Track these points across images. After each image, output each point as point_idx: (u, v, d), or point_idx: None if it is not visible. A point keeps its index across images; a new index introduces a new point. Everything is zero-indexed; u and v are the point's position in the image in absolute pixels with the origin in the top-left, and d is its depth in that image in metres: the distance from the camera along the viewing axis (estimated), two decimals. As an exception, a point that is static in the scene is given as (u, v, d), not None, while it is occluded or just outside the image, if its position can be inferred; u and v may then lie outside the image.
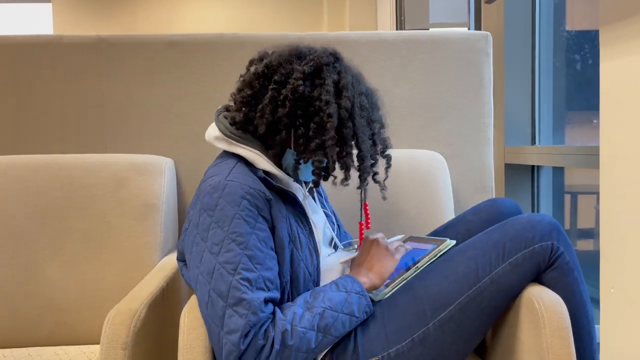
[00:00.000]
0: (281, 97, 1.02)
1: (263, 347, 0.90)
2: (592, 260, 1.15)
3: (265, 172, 1.04)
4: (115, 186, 1.41)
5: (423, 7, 3.49)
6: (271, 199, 1.00)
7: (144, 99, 1.61)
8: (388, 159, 1.15)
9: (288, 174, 1.09)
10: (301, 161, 1.06)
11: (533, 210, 1.94)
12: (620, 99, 1.00)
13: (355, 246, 1.27)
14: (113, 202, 1.41)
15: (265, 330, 0.91)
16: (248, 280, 0.92)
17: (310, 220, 1.11)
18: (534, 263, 1.03)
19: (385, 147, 1.13)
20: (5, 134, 1.59)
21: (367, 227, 1.22)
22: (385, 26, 4.12)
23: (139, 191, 1.41)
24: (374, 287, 1.07)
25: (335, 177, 1.11)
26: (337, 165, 1.07)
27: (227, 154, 1.07)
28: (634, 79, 0.96)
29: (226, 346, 0.90)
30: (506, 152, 1.95)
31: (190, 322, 0.96)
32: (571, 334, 0.96)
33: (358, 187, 1.10)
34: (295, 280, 1.02)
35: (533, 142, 1.94)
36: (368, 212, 1.22)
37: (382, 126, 1.13)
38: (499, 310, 1.03)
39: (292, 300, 1.01)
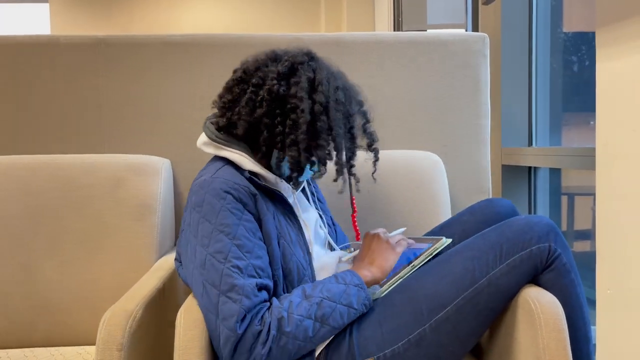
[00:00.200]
0: (259, 98, 1.05)
1: (260, 332, 0.92)
2: (588, 262, 1.15)
3: (252, 173, 1.07)
4: (113, 186, 1.41)
5: (421, 8, 3.49)
6: (256, 194, 1.02)
7: (142, 99, 1.61)
8: (375, 152, 1.16)
9: (277, 175, 1.11)
10: (284, 158, 1.07)
11: (530, 212, 1.94)
12: (616, 101, 1.00)
13: (352, 248, 1.28)
14: (110, 202, 1.40)
15: (262, 316, 0.93)
16: (238, 267, 0.94)
17: (300, 219, 1.12)
18: (531, 265, 1.03)
19: (372, 141, 1.15)
20: (2, 134, 1.59)
21: (353, 215, 1.24)
22: (383, 27, 4.12)
23: (136, 191, 1.41)
24: (376, 281, 1.08)
25: (321, 172, 1.13)
26: (314, 160, 1.07)
27: (215, 158, 1.11)
28: (630, 80, 0.96)
29: (223, 333, 0.91)
30: (503, 153, 1.95)
31: (187, 323, 0.96)
32: (567, 335, 0.96)
33: (334, 180, 1.12)
34: (289, 275, 1.04)
35: (530, 144, 1.94)
36: (355, 205, 1.24)
37: (367, 121, 1.15)
38: (496, 311, 1.04)
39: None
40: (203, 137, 1.12)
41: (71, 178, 1.41)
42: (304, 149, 1.04)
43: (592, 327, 1.07)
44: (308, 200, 1.24)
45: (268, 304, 0.96)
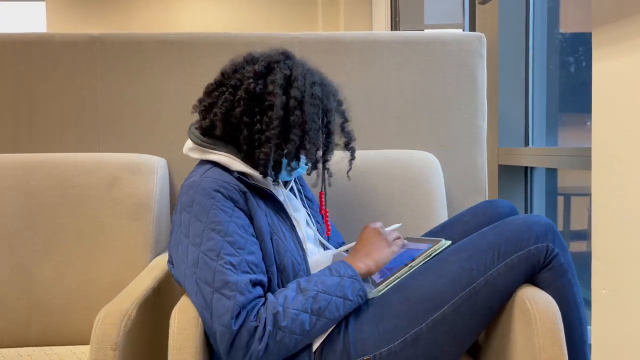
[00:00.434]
0: (237, 98, 1.07)
1: (256, 328, 0.92)
2: (584, 262, 1.15)
3: (241, 173, 1.07)
4: (108, 185, 1.41)
5: (418, 8, 3.50)
6: (246, 192, 1.03)
7: (138, 98, 1.61)
8: (352, 151, 1.18)
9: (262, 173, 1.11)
10: (261, 155, 1.07)
11: (526, 212, 1.94)
12: (612, 101, 1.00)
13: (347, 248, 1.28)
14: (106, 201, 1.40)
15: (258, 311, 0.93)
16: (231, 264, 0.95)
17: (291, 216, 1.13)
18: (529, 264, 1.03)
19: (350, 140, 1.17)
20: (-4, 132, 1.58)
21: (321, 213, 1.25)
22: (380, 27, 4.12)
23: (132, 190, 1.41)
24: (370, 273, 1.09)
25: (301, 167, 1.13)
26: (287, 155, 1.08)
27: (202, 162, 1.11)
28: (627, 81, 0.96)
29: (219, 330, 0.91)
30: (499, 153, 1.95)
31: (181, 322, 0.95)
32: (563, 335, 0.96)
33: (308, 173, 1.13)
34: (284, 271, 1.04)
35: (526, 144, 1.95)
36: (322, 201, 1.25)
37: (345, 120, 1.16)
38: (493, 311, 1.03)
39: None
40: (189, 143, 1.13)
41: (66, 177, 1.41)
42: (276, 144, 1.05)
43: (589, 327, 1.07)
44: (296, 196, 1.25)
45: (263, 299, 0.96)
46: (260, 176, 1.09)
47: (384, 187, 1.52)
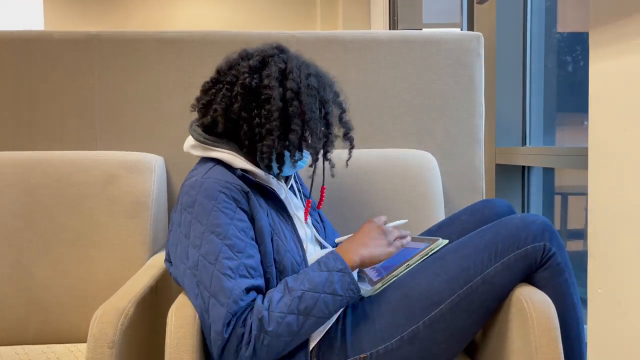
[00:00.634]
0: (234, 93, 1.07)
1: (243, 334, 0.92)
2: (581, 261, 1.15)
3: (244, 170, 1.07)
4: (105, 184, 1.40)
5: (416, 7, 3.49)
6: (249, 192, 1.03)
7: (135, 96, 1.60)
8: (351, 140, 1.18)
9: (265, 170, 1.11)
10: (264, 149, 1.07)
11: (523, 211, 1.94)
12: (609, 101, 1.01)
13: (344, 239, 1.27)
14: (103, 199, 1.40)
15: (245, 318, 0.93)
16: (230, 268, 0.94)
17: (293, 215, 1.13)
18: (526, 263, 1.03)
19: (348, 129, 1.17)
20: (-7, 130, 1.58)
21: (319, 207, 1.25)
22: (379, 26, 4.12)
23: (129, 189, 1.41)
24: (363, 266, 1.05)
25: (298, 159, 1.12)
26: (290, 146, 1.07)
27: (204, 160, 1.10)
28: (623, 80, 0.97)
29: (212, 335, 0.93)
30: (497, 152, 1.96)
31: (178, 321, 0.96)
32: (559, 334, 0.97)
33: (310, 165, 1.12)
34: (283, 271, 1.03)
35: (524, 143, 1.95)
36: (323, 194, 1.25)
37: (343, 111, 1.16)
38: (490, 309, 1.04)
39: None
40: (190, 141, 1.12)
41: (63, 175, 1.41)
42: (277, 135, 1.05)
43: (585, 327, 1.07)
44: (295, 195, 1.24)
45: (253, 303, 0.95)
46: (263, 173, 1.09)
47: (381, 186, 1.52)
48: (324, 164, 1.16)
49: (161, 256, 1.37)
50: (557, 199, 1.97)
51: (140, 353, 1.11)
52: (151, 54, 1.60)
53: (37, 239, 1.38)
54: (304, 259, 1.09)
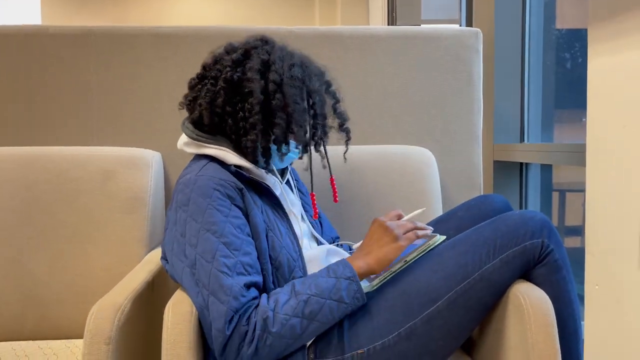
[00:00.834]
0: (217, 88, 1.06)
1: (246, 332, 0.92)
2: (578, 257, 1.15)
3: (237, 167, 1.06)
4: (103, 179, 1.40)
5: (415, 3, 3.49)
6: (243, 189, 1.02)
7: (132, 91, 1.60)
8: (347, 132, 1.17)
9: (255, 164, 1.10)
10: (248, 143, 1.06)
11: (521, 207, 1.94)
12: (607, 97, 1.00)
13: (345, 246, 1.27)
14: (100, 195, 1.39)
15: (249, 316, 0.93)
16: (227, 266, 0.94)
17: (288, 210, 1.12)
18: (524, 260, 1.03)
19: (343, 120, 1.16)
20: (-10, 125, 1.57)
21: (335, 201, 1.23)
22: (377, 22, 4.11)
23: (126, 184, 1.40)
24: (371, 272, 1.04)
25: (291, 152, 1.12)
26: (275, 139, 1.07)
27: (198, 157, 1.10)
28: (622, 77, 0.96)
29: (213, 333, 0.92)
30: (495, 149, 1.96)
31: (174, 317, 0.95)
32: (556, 331, 0.97)
33: (300, 157, 1.12)
34: (279, 268, 1.03)
35: (522, 140, 1.95)
36: (335, 186, 1.23)
37: (337, 100, 1.15)
38: (488, 306, 1.04)
39: (279, 287, 1.02)
40: (183, 138, 1.12)
41: (60, 171, 1.40)
42: (261, 129, 1.04)
43: (583, 323, 1.07)
44: (292, 190, 1.24)
45: (256, 302, 0.96)
46: (257, 170, 1.08)
47: (379, 182, 1.52)
48: (327, 156, 1.14)
49: (158, 252, 1.36)
50: (555, 196, 1.97)
51: (136, 349, 1.10)
52: (148, 49, 1.59)
53: (35, 235, 1.37)
54: (300, 255, 1.09)
